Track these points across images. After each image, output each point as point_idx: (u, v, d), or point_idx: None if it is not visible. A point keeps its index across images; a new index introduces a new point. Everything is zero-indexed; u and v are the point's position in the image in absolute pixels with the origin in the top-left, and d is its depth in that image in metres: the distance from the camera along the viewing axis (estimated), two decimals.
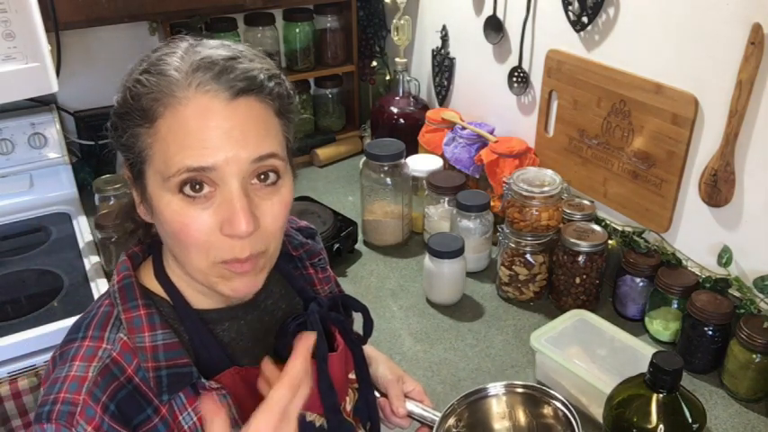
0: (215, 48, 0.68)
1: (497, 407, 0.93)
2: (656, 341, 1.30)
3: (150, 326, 0.71)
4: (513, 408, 0.93)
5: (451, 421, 0.90)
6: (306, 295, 0.85)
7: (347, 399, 0.87)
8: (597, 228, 1.35)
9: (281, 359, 0.76)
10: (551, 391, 0.90)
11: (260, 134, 0.66)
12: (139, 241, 0.80)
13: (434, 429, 0.88)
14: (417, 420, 0.94)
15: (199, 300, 0.76)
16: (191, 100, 0.64)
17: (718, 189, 1.19)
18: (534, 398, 0.92)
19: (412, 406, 0.94)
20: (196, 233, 0.66)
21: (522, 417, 0.93)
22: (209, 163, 0.64)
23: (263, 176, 0.67)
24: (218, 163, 0.64)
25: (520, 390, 0.92)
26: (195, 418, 0.71)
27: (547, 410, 0.91)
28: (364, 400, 0.87)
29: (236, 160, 0.64)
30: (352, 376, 0.88)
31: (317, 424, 0.79)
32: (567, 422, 0.88)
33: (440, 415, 0.89)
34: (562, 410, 0.89)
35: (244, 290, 0.70)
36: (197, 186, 0.65)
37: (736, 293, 1.20)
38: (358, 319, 0.89)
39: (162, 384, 0.69)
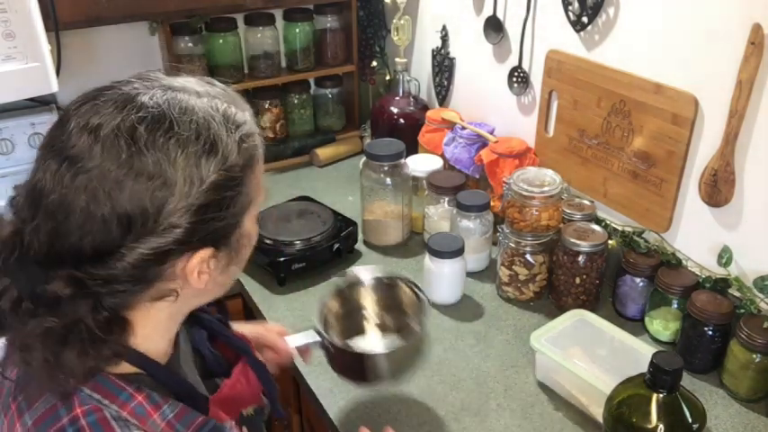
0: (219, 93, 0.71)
1: (364, 296, 1.12)
2: (656, 341, 1.30)
3: (155, 406, 0.66)
4: (377, 294, 1.12)
5: (328, 318, 1.06)
6: None
7: None
8: (597, 228, 1.35)
9: (216, 374, 0.83)
10: (399, 275, 1.13)
11: None
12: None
13: (316, 324, 1.02)
14: (302, 346, 1.04)
15: (160, 354, 0.72)
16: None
17: (718, 189, 1.19)
18: (384, 283, 1.11)
19: (289, 338, 1.04)
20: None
21: (382, 301, 1.12)
22: None
23: None
24: None
25: (371, 279, 1.11)
26: None
27: (401, 294, 1.10)
28: (261, 374, 0.88)
29: None
30: None
31: (251, 412, 0.84)
32: (417, 299, 1.08)
33: (314, 326, 1.02)
34: (413, 290, 1.08)
35: None
36: None
37: (736, 293, 1.20)
38: None
39: None
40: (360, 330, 1.12)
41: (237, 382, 0.81)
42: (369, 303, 1.12)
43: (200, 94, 0.65)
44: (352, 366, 1.02)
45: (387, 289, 1.11)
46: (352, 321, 1.11)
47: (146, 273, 0.62)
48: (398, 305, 1.10)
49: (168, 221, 0.60)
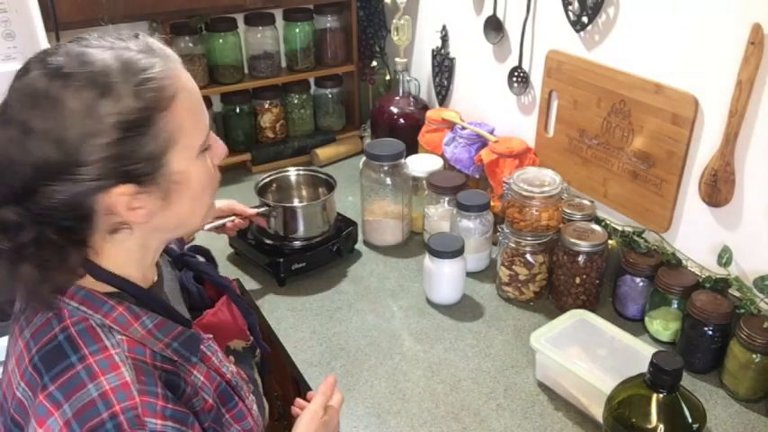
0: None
1: (293, 182, 1.64)
2: (656, 341, 1.30)
3: (134, 316, 0.74)
4: (303, 182, 1.65)
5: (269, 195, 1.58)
6: (172, 253, 1.00)
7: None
8: (597, 228, 1.35)
9: (201, 308, 0.93)
10: (321, 171, 1.64)
11: None
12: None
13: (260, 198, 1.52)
14: (258, 213, 1.46)
15: (142, 279, 0.80)
16: (182, 72, 0.74)
17: (718, 189, 1.19)
18: (311, 176, 1.64)
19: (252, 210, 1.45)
20: (217, 174, 0.80)
21: (309, 185, 1.65)
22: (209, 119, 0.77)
23: None
24: None
25: (304, 172, 1.65)
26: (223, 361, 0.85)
27: (319, 189, 1.62)
28: (242, 306, 0.99)
29: None
30: None
31: (239, 348, 0.95)
32: (329, 186, 1.58)
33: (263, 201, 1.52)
34: (328, 180, 1.58)
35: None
36: None
37: (736, 293, 1.20)
38: None
39: (182, 353, 0.76)
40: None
41: (219, 311, 0.93)
42: (293, 187, 1.65)
43: (113, 47, 0.70)
44: (283, 219, 1.49)
45: (307, 179, 1.64)
46: (284, 198, 1.64)
47: (75, 207, 0.69)
48: (315, 189, 1.64)
49: (74, 159, 0.66)
